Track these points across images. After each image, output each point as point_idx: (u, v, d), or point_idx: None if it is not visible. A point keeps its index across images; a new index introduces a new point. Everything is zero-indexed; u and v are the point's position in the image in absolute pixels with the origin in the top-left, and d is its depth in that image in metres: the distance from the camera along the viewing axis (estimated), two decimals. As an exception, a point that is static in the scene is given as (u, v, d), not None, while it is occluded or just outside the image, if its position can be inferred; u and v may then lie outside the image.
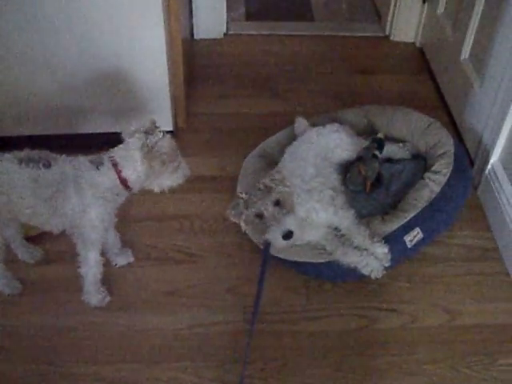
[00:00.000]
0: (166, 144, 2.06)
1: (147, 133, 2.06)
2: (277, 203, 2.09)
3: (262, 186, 2.10)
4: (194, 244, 2.61)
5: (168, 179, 2.12)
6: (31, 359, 2.19)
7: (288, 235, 2.08)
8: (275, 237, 2.10)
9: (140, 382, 2.15)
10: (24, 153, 2.08)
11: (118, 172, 2.05)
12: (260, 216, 2.12)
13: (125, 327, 2.31)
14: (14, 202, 2.05)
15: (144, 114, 2.92)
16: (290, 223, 2.08)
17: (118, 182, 2.06)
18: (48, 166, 2.05)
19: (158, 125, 2.11)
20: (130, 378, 2.16)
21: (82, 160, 2.09)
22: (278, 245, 2.13)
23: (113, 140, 2.10)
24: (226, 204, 2.22)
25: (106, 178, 2.05)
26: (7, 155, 2.06)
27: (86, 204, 2.06)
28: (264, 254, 2.18)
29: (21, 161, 2.04)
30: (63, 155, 2.11)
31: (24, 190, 2.03)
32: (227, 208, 2.20)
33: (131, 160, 2.05)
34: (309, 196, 2.25)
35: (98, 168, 2.05)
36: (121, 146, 2.08)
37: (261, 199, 2.09)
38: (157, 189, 2.14)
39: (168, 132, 2.66)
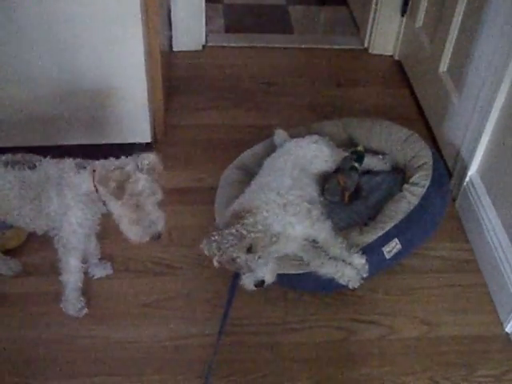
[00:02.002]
0: (141, 186, 1.97)
1: (140, 169, 1.99)
2: (249, 250, 2.09)
3: (234, 231, 2.07)
4: (173, 256, 2.60)
5: (131, 229, 2.06)
6: (7, 373, 2.16)
7: (260, 284, 2.08)
8: (247, 282, 2.09)
9: (118, 395, 2.14)
10: (8, 156, 2.10)
11: (94, 180, 2.04)
12: (233, 260, 2.11)
13: (103, 339, 2.28)
14: (0, 203, 2.07)
15: (122, 126, 2.93)
16: (262, 272, 2.07)
17: (93, 188, 2.05)
18: (33, 167, 2.06)
19: (148, 164, 2.01)
20: (107, 392, 2.15)
21: (68, 162, 2.09)
22: (250, 289, 2.12)
23: (91, 152, 2.09)
24: (205, 215, 2.21)
25: (82, 181, 2.04)
26: (-8, 159, 2.08)
27: (66, 206, 2.06)
28: (233, 283, 2.19)
29: (6, 163, 2.06)
30: (47, 157, 2.12)
31: (11, 191, 2.04)
32: (201, 243, 2.18)
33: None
34: (284, 211, 2.24)
35: (78, 171, 2.05)
36: (112, 159, 2.04)
37: (233, 245, 2.06)
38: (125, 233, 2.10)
39: (146, 144, 2.65)
